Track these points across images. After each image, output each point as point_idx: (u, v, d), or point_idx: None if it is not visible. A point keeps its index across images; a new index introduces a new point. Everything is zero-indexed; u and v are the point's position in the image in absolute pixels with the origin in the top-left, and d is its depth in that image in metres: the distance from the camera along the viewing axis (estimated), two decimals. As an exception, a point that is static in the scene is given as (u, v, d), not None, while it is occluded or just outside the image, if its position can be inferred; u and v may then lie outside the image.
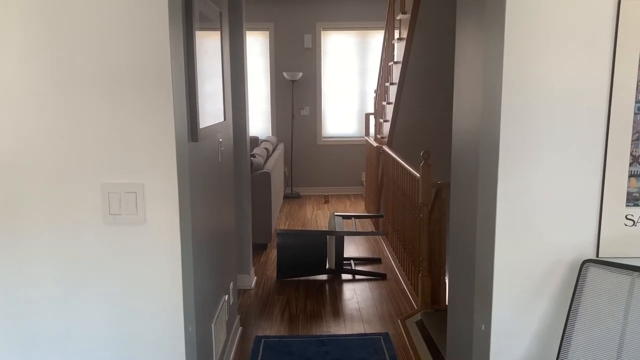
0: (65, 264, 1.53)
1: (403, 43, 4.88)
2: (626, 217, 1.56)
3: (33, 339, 1.57)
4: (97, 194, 1.50)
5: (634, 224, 1.56)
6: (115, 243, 1.53)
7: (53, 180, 1.49)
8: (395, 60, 5.35)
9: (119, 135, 1.48)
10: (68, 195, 1.50)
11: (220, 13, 2.58)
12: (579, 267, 1.56)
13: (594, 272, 1.51)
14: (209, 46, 2.27)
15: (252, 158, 4.71)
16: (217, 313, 2.39)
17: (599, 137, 1.54)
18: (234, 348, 2.89)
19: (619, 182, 1.54)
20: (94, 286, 1.55)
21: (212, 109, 2.28)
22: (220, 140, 2.57)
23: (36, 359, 1.58)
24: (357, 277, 4.11)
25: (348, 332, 3.15)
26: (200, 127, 1.99)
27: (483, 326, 1.69)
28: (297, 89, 7.30)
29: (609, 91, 1.52)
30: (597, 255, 1.58)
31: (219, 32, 2.54)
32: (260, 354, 2.85)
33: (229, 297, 2.75)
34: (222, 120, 2.58)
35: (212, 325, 2.27)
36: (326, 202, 6.94)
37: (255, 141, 6.83)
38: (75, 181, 1.50)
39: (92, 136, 1.48)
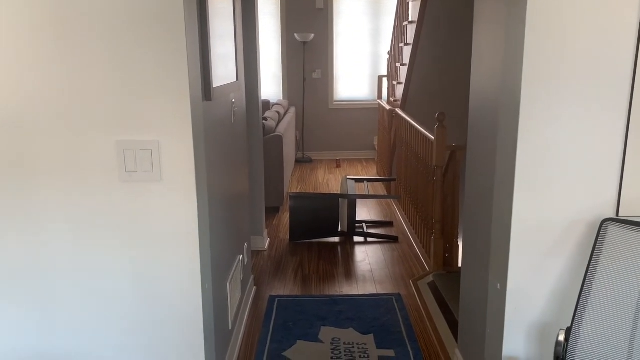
0: (81, 221, 1.55)
1: (418, 2, 4.75)
2: (648, 176, 1.52)
3: (49, 297, 1.60)
4: (113, 151, 1.50)
5: (657, 183, 1.53)
6: (131, 200, 1.53)
7: (68, 138, 1.49)
8: (410, 20, 5.22)
9: (134, 93, 1.47)
10: (83, 152, 1.50)
11: (232, -31, 2.51)
12: (598, 226, 1.54)
13: (613, 231, 1.49)
14: (221, 7, 2.22)
15: (264, 121, 4.68)
16: (232, 272, 2.42)
17: (623, 95, 1.50)
18: (248, 306, 2.94)
19: (643, 140, 1.50)
20: (110, 244, 1.56)
21: (224, 69, 2.25)
22: (233, 100, 2.55)
23: (53, 316, 1.61)
24: (369, 239, 4.13)
25: (360, 292, 3.18)
26: (214, 86, 1.97)
27: (499, 285, 1.69)
28: (309, 51, 7.19)
29: (635, 47, 1.46)
30: (617, 215, 1.56)
31: (230, -11, 2.48)
32: (274, 312, 2.90)
33: (243, 257, 2.78)
34: (235, 80, 2.55)
35: (228, 284, 2.30)
36: (338, 166, 6.92)
37: (266, 104, 6.77)
38: (90, 139, 1.49)
39: (107, 93, 1.47)
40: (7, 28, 1.43)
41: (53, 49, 1.44)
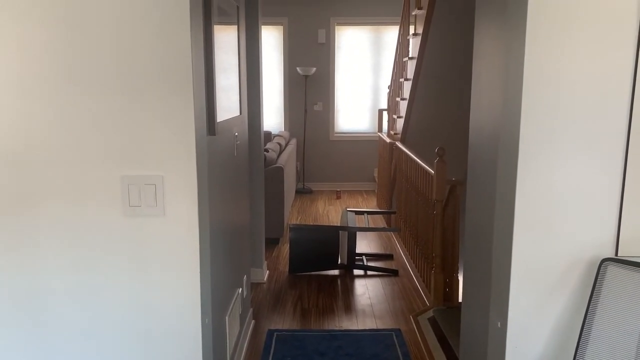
0: (84, 255, 1.55)
1: (418, 39, 4.86)
2: (647, 216, 1.54)
3: (49, 330, 1.59)
4: (117, 185, 1.52)
5: (655, 223, 1.54)
6: (133, 234, 1.54)
7: (73, 172, 1.51)
8: (410, 56, 5.32)
9: (139, 128, 1.50)
10: (88, 187, 1.52)
11: (237, 7, 2.58)
12: (597, 265, 1.54)
13: (612, 270, 1.50)
14: (226, 40, 2.28)
15: (265, 153, 4.72)
16: (231, 306, 2.40)
17: (621, 134, 1.53)
18: (246, 341, 2.91)
19: (639, 180, 1.52)
20: (112, 277, 1.57)
21: (228, 103, 2.29)
22: (236, 134, 2.58)
23: (53, 350, 1.60)
24: (369, 273, 4.11)
25: (360, 327, 3.15)
26: (218, 121, 2.00)
27: (499, 323, 1.69)
28: (311, 84, 7.29)
29: (631, 87, 1.50)
30: (616, 254, 1.56)
31: (235, 26, 2.54)
32: (272, 348, 2.87)
33: (242, 291, 2.77)
34: (238, 114, 2.59)
35: (227, 318, 2.28)
36: (338, 197, 6.94)
37: (268, 136, 6.83)
38: (95, 173, 1.51)
39: (113, 129, 1.50)
40: (18, 67, 1.46)
41: (62, 86, 1.47)
